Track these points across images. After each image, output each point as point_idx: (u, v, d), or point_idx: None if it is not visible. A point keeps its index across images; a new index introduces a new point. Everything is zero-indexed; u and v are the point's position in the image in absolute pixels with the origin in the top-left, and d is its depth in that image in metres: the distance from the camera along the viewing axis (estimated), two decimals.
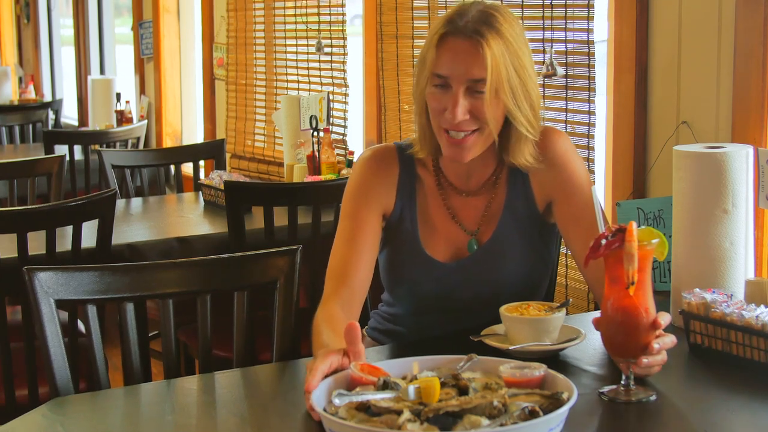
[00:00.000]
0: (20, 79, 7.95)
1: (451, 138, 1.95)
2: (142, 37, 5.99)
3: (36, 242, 2.77)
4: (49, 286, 1.85)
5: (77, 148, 5.13)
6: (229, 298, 2.00)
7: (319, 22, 4.24)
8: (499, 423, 1.38)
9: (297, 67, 4.45)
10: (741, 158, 1.93)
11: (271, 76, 4.65)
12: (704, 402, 1.64)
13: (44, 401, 1.78)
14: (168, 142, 5.76)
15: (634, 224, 1.57)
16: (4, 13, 8.62)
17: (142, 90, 6.09)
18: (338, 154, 3.98)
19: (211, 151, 4.32)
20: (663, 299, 2.00)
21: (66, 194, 4.40)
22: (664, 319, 1.60)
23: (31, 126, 6.28)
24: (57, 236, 2.79)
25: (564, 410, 1.40)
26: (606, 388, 1.62)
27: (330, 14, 4.17)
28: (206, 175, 4.62)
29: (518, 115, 1.94)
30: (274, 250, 2.02)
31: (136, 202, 3.92)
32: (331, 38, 4.17)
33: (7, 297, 2.61)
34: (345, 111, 4.11)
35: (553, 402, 1.45)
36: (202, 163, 4.73)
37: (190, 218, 3.60)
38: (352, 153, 3.91)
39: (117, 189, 3.40)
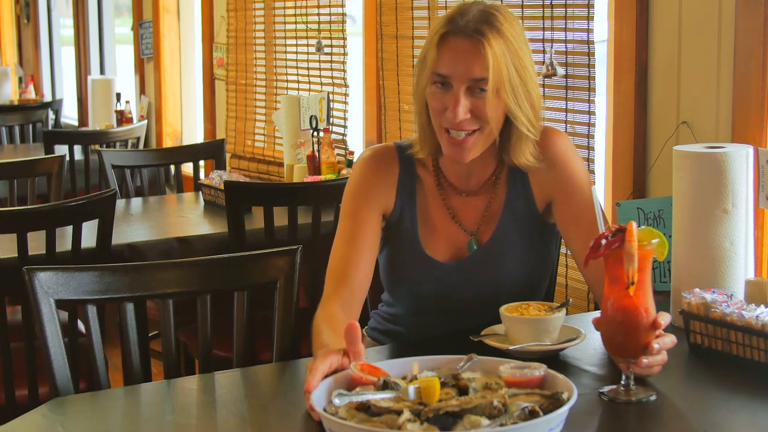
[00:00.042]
0: (20, 79, 7.96)
1: (452, 138, 1.95)
2: (142, 37, 6.00)
3: (36, 242, 2.77)
4: (49, 286, 1.85)
5: (77, 148, 5.13)
6: (229, 298, 2.00)
7: (319, 22, 4.24)
8: (499, 423, 1.38)
9: (297, 67, 4.44)
10: (741, 158, 1.93)
11: (271, 76, 4.65)
12: (704, 402, 1.64)
13: (44, 401, 1.78)
14: (168, 142, 5.76)
15: (634, 224, 1.57)
16: (4, 13, 8.62)
17: (142, 90, 6.09)
18: (338, 154, 3.98)
19: (211, 151, 4.32)
20: (663, 299, 2.00)
21: (66, 194, 4.40)
22: (664, 319, 1.60)
23: (31, 126, 6.28)
24: (57, 236, 2.79)
25: (564, 410, 1.40)
26: (606, 388, 1.62)
27: (330, 14, 4.17)
28: (206, 175, 4.62)
29: (519, 114, 1.94)
30: (274, 250, 2.02)
31: (136, 202, 3.92)
32: (331, 38, 4.17)
33: (7, 297, 2.61)
34: (345, 111, 4.11)
35: (553, 402, 1.45)
36: (202, 163, 4.73)
37: (190, 218, 3.60)
38: (352, 153, 3.91)
39: (117, 189, 3.40)
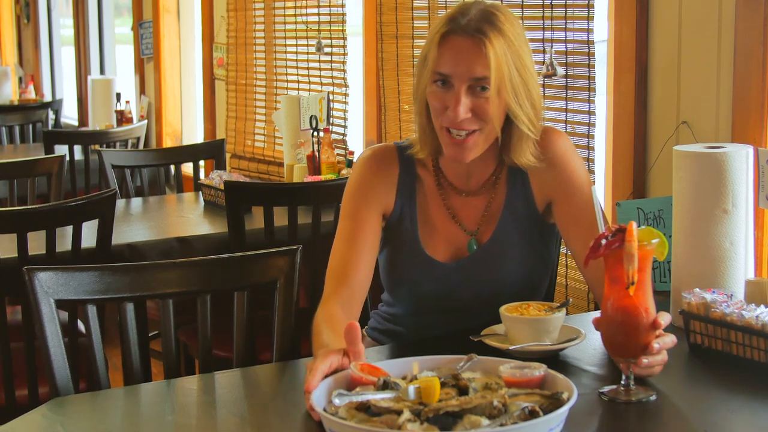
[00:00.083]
0: (20, 79, 7.96)
1: (453, 138, 1.95)
2: (142, 37, 6.00)
3: (36, 242, 2.77)
4: (49, 286, 1.85)
5: (77, 148, 5.13)
6: (229, 298, 2.00)
7: (319, 22, 4.24)
8: (499, 423, 1.38)
9: (297, 67, 4.45)
10: (741, 158, 1.93)
11: (271, 76, 4.65)
12: (704, 402, 1.64)
13: (44, 401, 1.78)
14: (168, 142, 5.76)
15: (634, 224, 1.57)
16: (4, 13, 8.62)
17: (142, 90, 6.09)
18: (338, 154, 3.98)
19: (211, 151, 4.32)
20: (663, 299, 2.00)
21: (66, 194, 4.40)
22: (664, 319, 1.60)
23: (31, 126, 6.28)
24: (57, 236, 2.79)
25: (564, 410, 1.40)
26: (606, 388, 1.62)
27: (330, 14, 4.17)
28: (206, 175, 4.62)
29: (520, 113, 1.95)
30: (274, 250, 2.02)
31: (136, 202, 3.92)
32: (331, 38, 4.17)
33: (7, 297, 2.61)
34: (345, 111, 4.11)
35: (553, 402, 1.45)
36: (202, 163, 4.73)
37: (190, 218, 3.60)
38: (352, 153, 3.91)
39: (117, 189, 3.40)
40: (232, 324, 1.99)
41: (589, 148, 2.86)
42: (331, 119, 4.14)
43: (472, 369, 1.59)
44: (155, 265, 1.98)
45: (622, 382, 1.61)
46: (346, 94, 4.11)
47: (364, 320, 2.17)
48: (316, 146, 3.77)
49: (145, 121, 5.39)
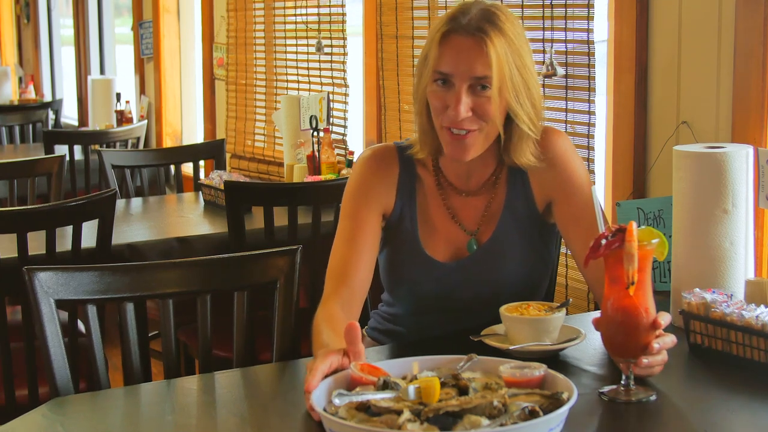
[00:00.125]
0: (20, 79, 7.96)
1: (454, 135, 1.94)
2: (142, 37, 6.00)
3: (36, 242, 2.77)
4: (49, 286, 1.85)
5: (77, 148, 5.13)
6: (229, 298, 2.00)
7: (319, 22, 4.24)
8: (499, 423, 1.38)
9: (297, 67, 4.45)
10: (741, 158, 1.93)
11: (271, 76, 4.65)
12: (704, 402, 1.64)
13: (44, 401, 1.78)
14: (168, 142, 5.76)
15: (634, 224, 1.57)
16: (4, 13, 8.62)
17: (142, 90, 6.09)
18: (338, 154, 3.98)
19: (211, 151, 4.32)
20: (663, 299, 2.00)
21: (66, 194, 4.40)
22: (664, 319, 1.60)
23: (31, 126, 6.28)
24: (57, 236, 2.79)
25: (564, 410, 1.40)
26: (606, 388, 1.62)
27: (330, 14, 4.17)
28: (206, 175, 4.62)
29: (520, 112, 1.95)
30: (274, 250, 2.02)
31: (136, 202, 3.92)
32: (331, 38, 4.17)
33: (7, 297, 2.61)
34: (345, 111, 4.11)
35: (553, 402, 1.45)
36: (202, 163, 4.73)
37: (190, 218, 3.60)
38: (352, 153, 3.91)
39: (117, 189, 3.40)
40: (232, 324, 1.99)
41: (589, 148, 2.86)
42: (331, 119, 4.14)
43: (472, 369, 1.59)
44: (155, 265, 1.98)
45: (622, 382, 1.61)
46: (346, 94, 4.11)
47: (364, 320, 2.17)
48: (316, 146, 3.77)
49: (145, 121, 5.39)
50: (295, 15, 4.41)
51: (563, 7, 2.88)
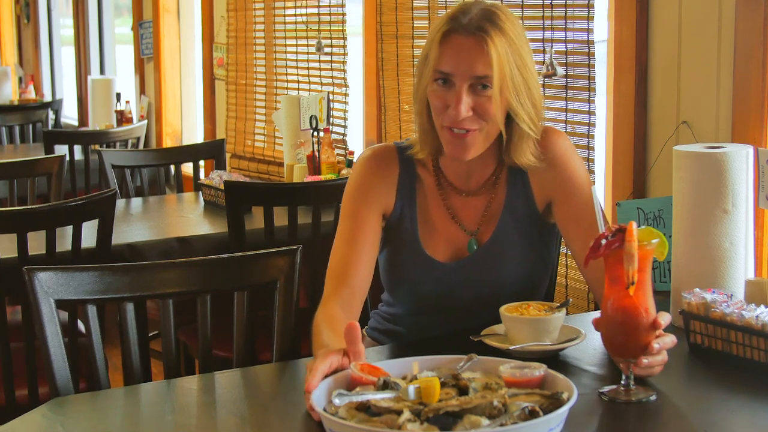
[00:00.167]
0: (20, 79, 7.96)
1: (454, 134, 1.94)
2: (142, 37, 6.00)
3: (36, 242, 2.77)
4: (49, 286, 1.85)
5: (77, 148, 5.13)
6: (229, 298, 2.00)
7: (319, 22, 4.24)
8: (499, 423, 1.38)
9: (297, 67, 4.45)
10: (741, 158, 1.93)
11: (271, 76, 4.65)
12: (704, 402, 1.64)
13: (44, 401, 1.78)
14: (168, 142, 5.76)
15: (634, 224, 1.57)
16: (4, 13, 8.62)
17: (142, 90, 6.09)
18: (338, 154, 3.98)
19: (211, 151, 4.32)
20: (663, 299, 2.00)
21: (66, 194, 4.40)
22: (664, 319, 1.60)
23: (31, 126, 6.28)
24: (57, 236, 2.79)
25: (564, 410, 1.40)
26: (606, 388, 1.62)
27: (330, 14, 4.17)
28: (206, 175, 4.62)
29: (521, 112, 1.95)
30: (274, 250, 2.02)
31: (136, 202, 3.92)
32: (331, 38, 4.17)
33: (7, 297, 2.61)
34: (345, 111, 4.11)
35: (553, 402, 1.45)
36: (202, 163, 4.73)
37: (190, 218, 3.60)
38: (352, 153, 3.91)
39: (117, 189, 3.40)
40: (232, 324, 1.99)
41: (589, 148, 2.86)
42: (331, 119, 4.14)
43: (472, 369, 1.59)
44: (155, 265, 1.98)
45: (622, 382, 1.61)
46: (346, 94, 4.11)
47: (364, 320, 2.17)
48: (316, 146, 3.77)
49: (145, 121, 5.39)
50: (295, 15, 4.41)
51: (563, 7, 2.88)
